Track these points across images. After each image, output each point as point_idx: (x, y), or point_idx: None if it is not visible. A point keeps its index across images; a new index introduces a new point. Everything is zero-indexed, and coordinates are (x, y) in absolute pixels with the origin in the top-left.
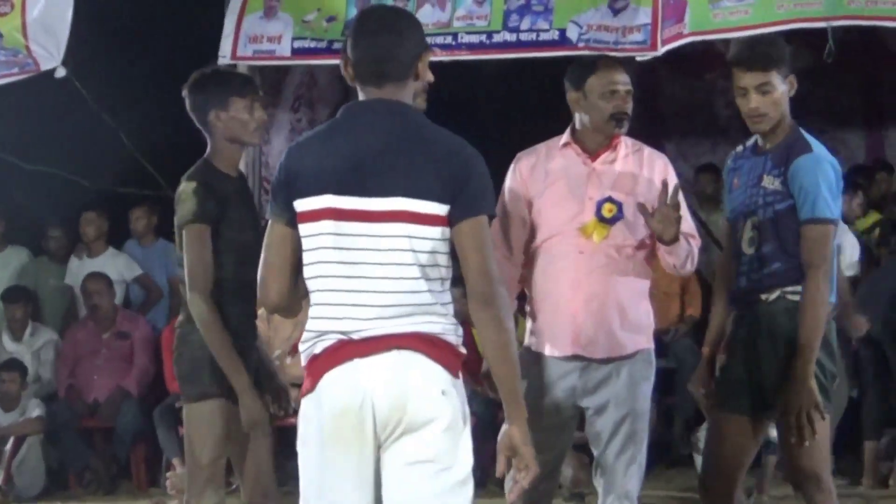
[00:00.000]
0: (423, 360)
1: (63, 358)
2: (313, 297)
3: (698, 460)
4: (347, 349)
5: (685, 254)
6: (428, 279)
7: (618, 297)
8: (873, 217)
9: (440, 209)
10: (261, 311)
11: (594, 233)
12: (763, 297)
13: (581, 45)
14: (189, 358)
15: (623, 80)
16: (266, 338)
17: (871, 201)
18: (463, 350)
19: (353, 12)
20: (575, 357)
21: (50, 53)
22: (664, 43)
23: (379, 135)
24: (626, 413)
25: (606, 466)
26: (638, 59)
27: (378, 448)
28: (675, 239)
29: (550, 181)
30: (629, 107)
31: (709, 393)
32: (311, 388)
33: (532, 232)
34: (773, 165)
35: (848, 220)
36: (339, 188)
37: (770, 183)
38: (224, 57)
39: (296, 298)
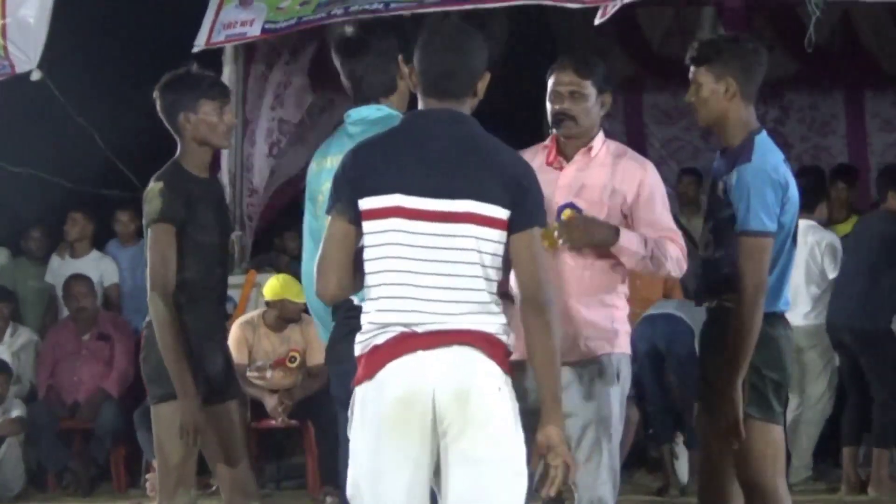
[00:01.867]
0: (483, 357)
1: (43, 359)
2: (376, 291)
3: (678, 465)
4: (411, 341)
5: (640, 257)
6: (488, 279)
7: (577, 302)
8: (853, 221)
9: (503, 213)
10: (248, 318)
11: (550, 239)
12: (706, 303)
13: None
14: (155, 359)
15: (566, 81)
16: (248, 345)
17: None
18: (512, 350)
19: None
20: None
21: (27, 56)
22: None
23: (444, 141)
24: (589, 420)
25: (577, 472)
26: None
27: (436, 438)
28: (581, 244)
29: None
30: (572, 108)
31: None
32: (370, 376)
33: None
34: (722, 171)
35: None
36: (408, 189)
37: (720, 188)
38: (198, 46)
39: (352, 291)
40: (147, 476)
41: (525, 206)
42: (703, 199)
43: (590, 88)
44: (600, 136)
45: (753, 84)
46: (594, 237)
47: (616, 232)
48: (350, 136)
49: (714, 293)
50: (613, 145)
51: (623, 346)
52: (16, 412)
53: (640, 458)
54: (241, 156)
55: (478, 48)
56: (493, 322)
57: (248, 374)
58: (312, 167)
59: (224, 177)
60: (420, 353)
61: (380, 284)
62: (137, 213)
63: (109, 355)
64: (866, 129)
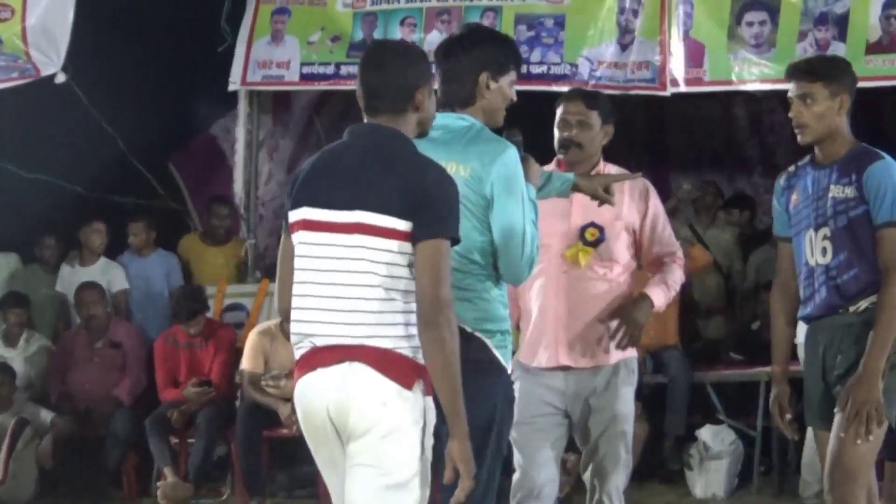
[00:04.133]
0: (371, 372)
1: (55, 365)
2: (293, 302)
3: (690, 476)
4: (313, 357)
5: (668, 301)
6: (384, 289)
7: (600, 313)
8: None
9: (399, 224)
10: (265, 328)
11: (579, 256)
12: (851, 307)
13: (592, 81)
14: None
15: (573, 111)
16: (264, 354)
17: None
18: (419, 361)
19: (360, 34)
20: (561, 367)
21: (49, 59)
22: (686, 83)
23: (355, 153)
24: (612, 416)
25: (597, 466)
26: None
27: (341, 449)
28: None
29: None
30: (580, 135)
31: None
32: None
33: None
34: (841, 175)
35: None
36: (313, 201)
37: (839, 192)
38: (234, 83)
39: None
40: (158, 483)
41: (425, 218)
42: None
43: (595, 119)
44: (601, 161)
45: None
46: (644, 320)
47: (651, 302)
48: (430, 141)
49: (855, 296)
50: (614, 168)
51: (634, 350)
52: (45, 415)
53: (654, 471)
54: (255, 165)
55: (407, 64)
56: (390, 335)
57: (263, 382)
58: None
59: (238, 186)
60: (319, 370)
61: (295, 295)
62: (148, 225)
63: (122, 363)
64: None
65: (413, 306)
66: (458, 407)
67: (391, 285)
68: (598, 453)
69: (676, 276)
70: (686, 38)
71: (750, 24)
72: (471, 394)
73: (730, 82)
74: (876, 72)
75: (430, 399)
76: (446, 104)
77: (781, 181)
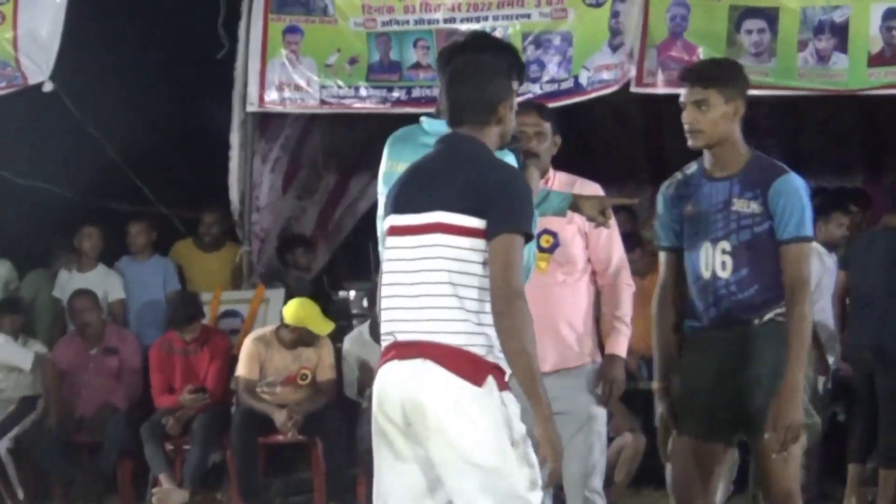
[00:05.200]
0: (440, 371)
1: (48, 371)
2: (381, 303)
3: None
4: (393, 350)
5: (629, 333)
6: (458, 286)
7: (563, 316)
8: None
9: (472, 221)
10: (261, 334)
11: (538, 263)
12: (755, 319)
13: (589, 88)
14: None
15: (530, 122)
16: (260, 361)
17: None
18: (490, 360)
19: (375, 56)
20: None
21: (39, 67)
22: (672, 85)
23: (436, 161)
24: (585, 419)
25: (573, 468)
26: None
27: (412, 440)
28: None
29: None
30: (537, 146)
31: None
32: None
33: None
34: (745, 188)
35: (829, 243)
36: (397, 208)
37: (744, 206)
38: (252, 105)
39: None
40: (154, 490)
41: (496, 214)
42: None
43: (548, 129)
44: (551, 169)
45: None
46: (622, 376)
47: (619, 357)
48: (428, 148)
49: (759, 308)
50: (564, 175)
51: (598, 354)
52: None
53: (650, 478)
54: (250, 172)
55: (491, 78)
56: (462, 331)
57: (258, 389)
58: (384, 165)
59: (233, 194)
60: (395, 362)
61: (383, 297)
62: (150, 225)
63: (117, 369)
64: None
65: (488, 305)
66: (538, 390)
67: (465, 282)
68: (574, 456)
69: (626, 310)
70: (679, 39)
71: (749, 31)
72: None
73: None
74: (879, 83)
75: (507, 394)
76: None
77: (670, 191)
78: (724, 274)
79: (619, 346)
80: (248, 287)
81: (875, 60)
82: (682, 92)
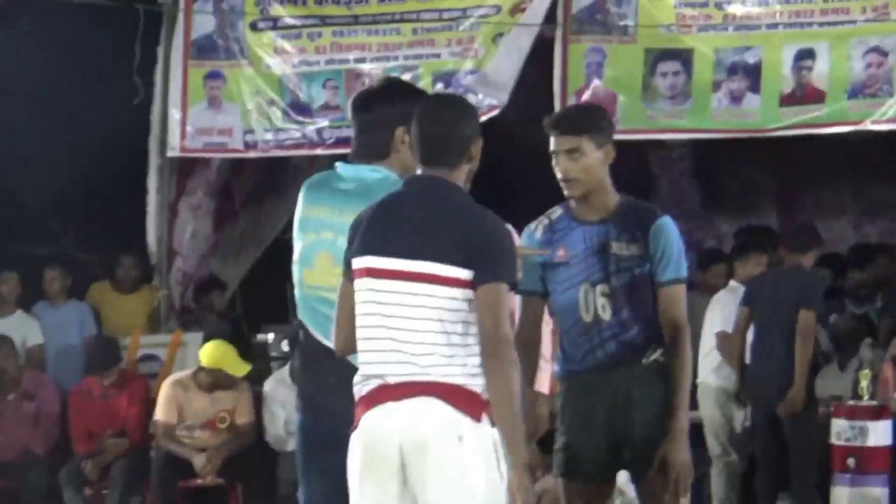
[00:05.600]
0: (446, 407)
1: None
2: (359, 345)
3: None
4: (385, 392)
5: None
6: (453, 332)
7: None
8: None
9: (461, 273)
10: (179, 378)
11: None
12: (640, 360)
13: None
14: None
15: None
16: (178, 405)
17: None
18: (485, 397)
19: (289, 97)
20: None
21: None
22: None
23: (417, 205)
24: None
25: None
26: None
27: (405, 483)
28: None
29: None
30: None
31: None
32: (356, 426)
33: None
34: (622, 231)
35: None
36: (377, 250)
37: (622, 249)
38: (173, 150)
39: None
40: None
41: (483, 264)
42: None
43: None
44: None
45: None
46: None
47: (544, 396)
48: (344, 193)
49: (641, 350)
50: None
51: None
52: None
53: None
54: (167, 216)
55: (466, 117)
56: (459, 373)
57: (177, 432)
58: (301, 210)
59: (150, 237)
60: (389, 404)
61: (361, 338)
62: (64, 271)
63: (35, 415)
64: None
65: (472, 349)
66: (518, 437)
67: (459, 329)
68: None
69: (545, 347)
70: (596, 86)
71: (664, 74)
72: None
73: (645, 131)
74: (790, 122)
75: (496, 430)
76: (360, 156)
77: (538, 235)
78: (605, 316)
79: (541, 383)
80: (166, 331)
81: (787, 100)
82: (552, 141)
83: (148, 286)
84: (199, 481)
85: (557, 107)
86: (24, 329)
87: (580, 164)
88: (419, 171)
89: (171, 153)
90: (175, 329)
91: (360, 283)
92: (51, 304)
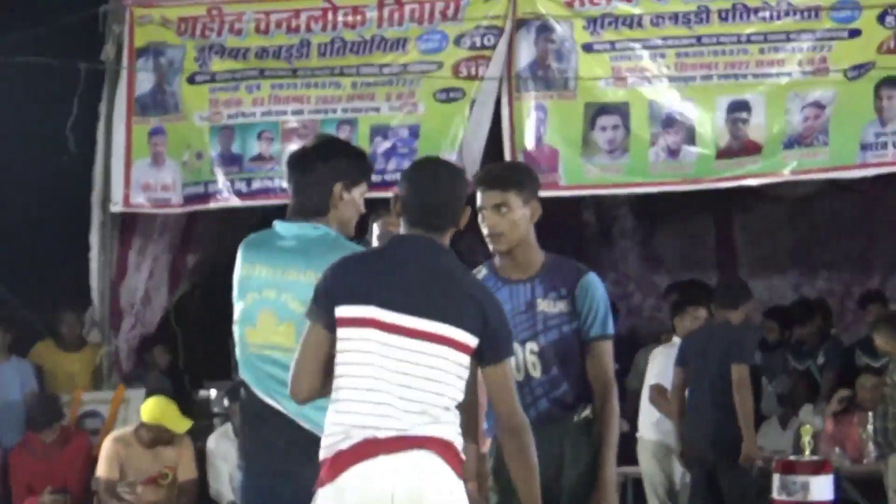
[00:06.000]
0: (439, 461)
1: None
2: (344, 394)
3: None
4: (373, 446)
5: None
6: (449, 398)
7: None
8: None
9: (472, 341)
10: (121, 434)
11: None
12: (572, 417)
13: None
14: None
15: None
16: (120, 461)
17: None
18: (464, 456)
19: (217, 148)
20: None
21: None
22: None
23: (423, 267)
24: None
25: None
26: None
27: None
28: None
29: None
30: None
31: None
32: (332, 479)
33: None
34: (548, 289)
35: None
36: (384, 303)
37: (549, 307)
38: (116, 205)
39: (322, 394)
40: None
41: (496, 340)
42: None
43: None
44: None
45: None
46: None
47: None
48: (285, 251)
49: (572, 407)
50: None
51: None
52: None
53: None
54: (110, 272)
55: (461, 183)
56: (448, 430)
57: (119, 489)
58: (240, 270)
59: (93, 294)
60: (381, 457)
61: (348, 388)
62: (5, 328)
63: None
64: (735, 243)
65: (459, 413)
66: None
67: (454, 392)
68: None
69: None
70: (539, 143)
71: (603, 128)
72: None
73: (584, 186)
74: (725, 174)
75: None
76: (298, 213)
77: (502, 290)
78: (536, 374)
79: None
80: (108, 387)
81: (723, 154)
82: (479, 197)
83: (91, 344)
84: None
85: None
86: None
87: (507, 219)
88: (404, 231)
89: (114, 208)
90: (118, 385)
91: (355, 332)
92: None
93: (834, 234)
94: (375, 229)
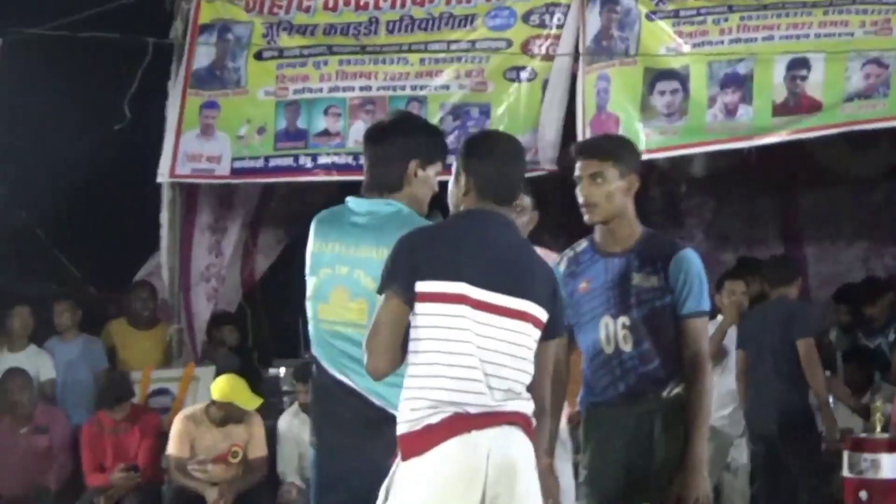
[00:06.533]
0: (524, 436)
1: None
2: (428, 370)
3: None
4: (465, 421)
5: None
6: (530, 370)
7: None
8: None
9: (545, 315)
10: (191, 412)
11: None
12: (661, 393)
13: None
14: None
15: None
16: (190, 439)
17: None
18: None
19: (283, 123)
20: None
21: None
22: None
23: (503, 242)
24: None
25: None
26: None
27: None
28: None
29: None
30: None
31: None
32: (419, 453)
33: None
34: (643, 263)
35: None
36: (473, 280)
37: (643, 281)
38: (163, 176)
39: (398, 367)
40: None
41: (559, 316)
42: None
43: (527, 203)
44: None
45: None
46: None
47: None
48: (358, 227)
49: (664, 382)
50: (539, 250)
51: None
52: None
53: None
54: (177, 250)
55: (524, 158)
56: (528, 406)
57: (189, 467)
58: (312, 246)
59: (164, 272)
60: (474, 433)
61: (436, 363)
62: (74, 305)
63: (47, 449)
64: (799, 222)
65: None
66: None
67: (531, 368)
68: None
69: None
70: (601, 112)
71: (662, 92)
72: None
73: (643, 152)
74: (783, 129)
75: None
76: (373, 188)
77: (562, 268)
78: (627, 348)
79: None
80: (178, 365)
81: (779, 110)
82: (576, 167)
83: (162, 322)
84: None
85: (580, 138)
86: (36, 363)
87: (602, 189)
88: (477, 206)
89: (160, 179)
90: (188, 363)
91: (444, 308)
92: (61, 339)
93: None
94: None
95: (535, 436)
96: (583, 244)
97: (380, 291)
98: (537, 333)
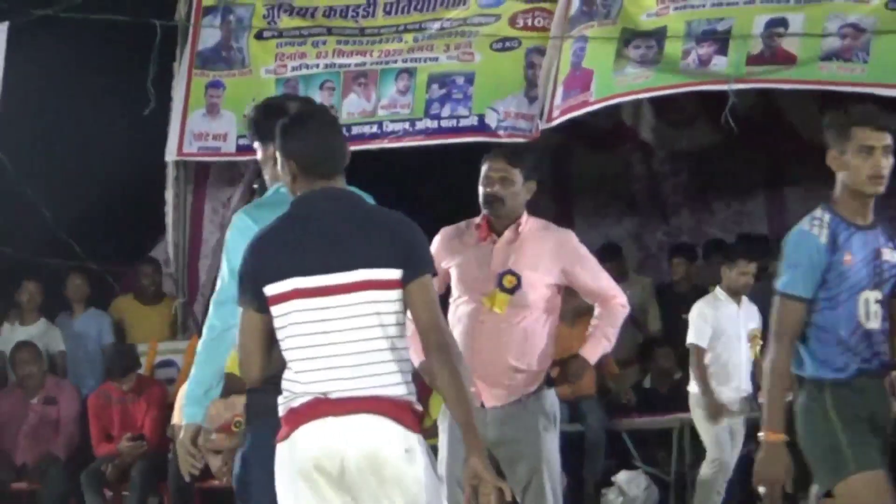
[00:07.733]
0: (389, 422)
1: None
2: (291, 364)
3: None
4: (323, 406)
5: (606, 351)
6: (391, 341)
7: (514, 355)
8: None
9: (395, 273)
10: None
11: (496, 303)
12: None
13: (500, 131)
14: None
15: (496, 167)
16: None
17: None
18: (419, 407)
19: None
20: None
21: None
22: (569, 111)
23: (332, 217)
24: (533, 451)
25: None
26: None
27: (345, 498)
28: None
29: (460, 253)
30: (501, 191)
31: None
32: (286, 437)
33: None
34: (888, 238)
35: (732, 290)
36: (303, 270)
37: (891, 256)
38: (171, 154)
39: (274, 368)
40: None
41: (413, 261)
42: None
43: (518, 175)
44: (525, 215)
45: None
46: (576, 377)
47: (585, 361)
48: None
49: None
50: (538, 221)
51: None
52: None
53: None
54: (186, 225)
55: (338, 126)
56: (399, 384)
57: None
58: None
59: (169, 248)
60: (330, 419)
61: (293, 360)
62: (83, 281)
63: (56, 419)
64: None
65: (406, 352)
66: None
67: (394, 333)
68: (528, 497)
69: (611, 331)
70: (577, 69)
71: (637, 47)
72: None
73: (614, 97)
74: (756, 76)
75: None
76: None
77: (822, 239)
78: (875, 325)
79: (594, 353)
80: (183, 338)
81: (753, 60)
82: (871, 136)
83: (167, 297)
84: (215, 482)
85: (546, 100)
86: (46, 337)
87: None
88: (306, 189)
89: (168, 157)
90: (193, 335)
91: (283, 307)
92: (71, 313)
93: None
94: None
95: (410, 415)
96: (825, 215)
97: (238, 304)
98: (388, 294)
